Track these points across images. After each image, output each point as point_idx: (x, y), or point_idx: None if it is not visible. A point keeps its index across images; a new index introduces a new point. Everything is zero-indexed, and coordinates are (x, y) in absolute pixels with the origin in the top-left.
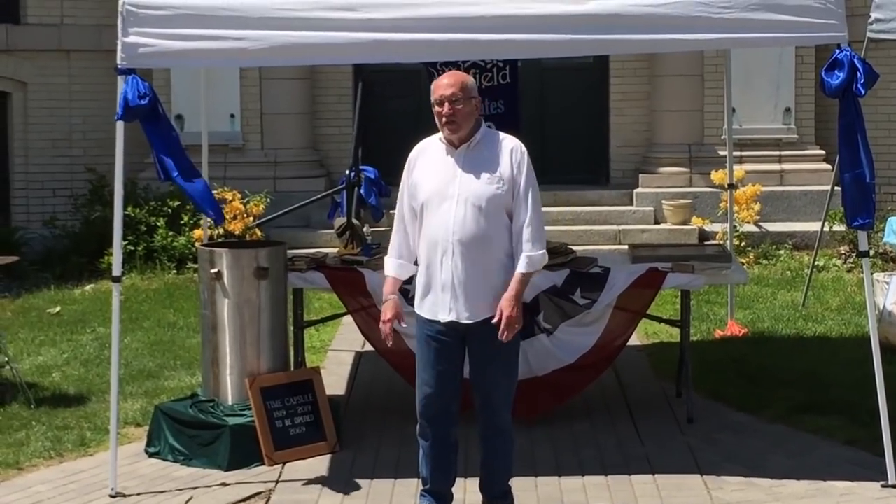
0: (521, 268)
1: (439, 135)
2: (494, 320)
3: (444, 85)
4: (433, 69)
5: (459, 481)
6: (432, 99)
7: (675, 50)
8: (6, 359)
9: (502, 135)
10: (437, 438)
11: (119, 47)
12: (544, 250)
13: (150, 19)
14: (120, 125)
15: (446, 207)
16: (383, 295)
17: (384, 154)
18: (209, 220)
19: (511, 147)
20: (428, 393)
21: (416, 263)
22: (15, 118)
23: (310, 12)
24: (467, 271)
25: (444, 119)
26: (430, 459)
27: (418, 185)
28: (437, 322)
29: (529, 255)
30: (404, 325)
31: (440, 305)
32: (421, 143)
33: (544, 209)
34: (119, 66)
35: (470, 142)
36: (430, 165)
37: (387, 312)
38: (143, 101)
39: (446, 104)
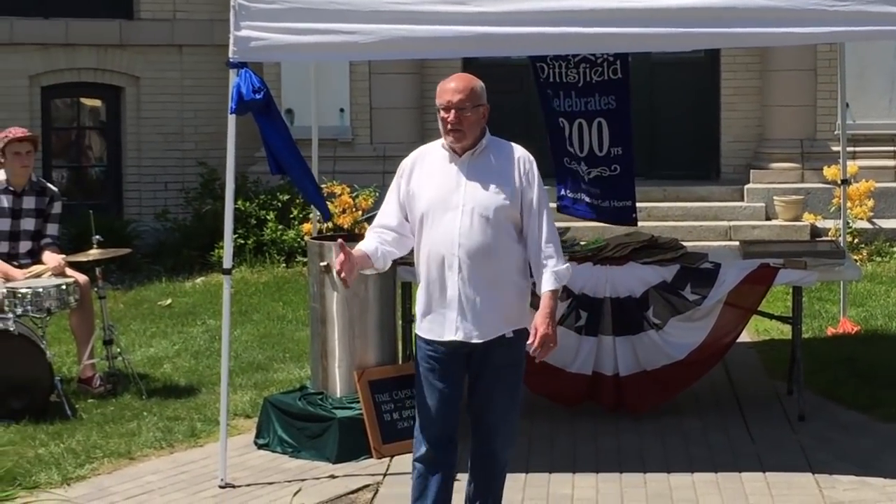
0: (548, 285)
1: (440, 141)
2: (529, 341)
3: (451, 90)
4: (542, 63)
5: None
6: (438, 103)
7: (788, 43)
8: (119, 350)
9: (508, 143)
10: (440, 466)
11: (231, 41)
12: (568, 263)
13: (262, 13)
14: (232, 119)
15: (450, 218)
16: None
17: None
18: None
19: (518, 156)
20: (431, 419)
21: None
22: (128, 112)
23: (420, 6)
24: (475, 286)
25: (448, 127)
26: (431, 489)
27: (417, 195)
28: (440, 342)
29: (555, 271)
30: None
31: (446, 324)
32: (419, 150)
33: (654, 204)
34: (231, 60)
35: (474, 149)
36: (430, 174)
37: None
38: (257, 96)
39: (453, 112)
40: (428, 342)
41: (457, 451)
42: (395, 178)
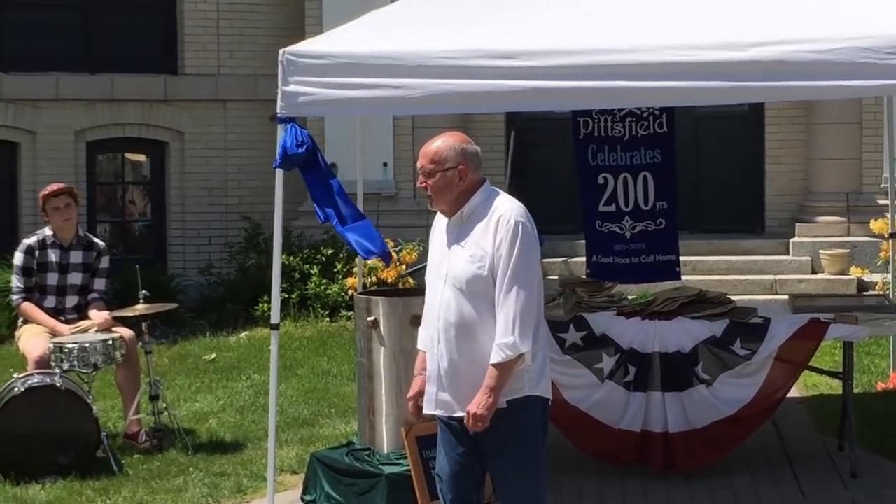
0: (491, 358)
1: None
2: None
3: (420, 154)
4: (587, 118)
5: None
6: None
7: (837, 97)
8: (164, 405)
9: (498, 202)
10: None
11: (279, 96)
12: (515, 338)
13: (310, 68)
14: (279, 173)
15: (436, 288)
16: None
17: (537, 203)
18: (365, 265)
19: (498, 218)
20: (446, 484)
21: None
22: (172, 167)
23: (468, 60)
24: (452, 361)
25: (424, 192)
26: None
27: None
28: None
29: (499, 343)
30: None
31: (427, 397)
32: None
33: (699, 258)
34: (279, 115)
35: (460, 213)
36: (436, 238)
37: (412, 388)
38: (300, 149)
39: (420, 176)
40: None
41: None
42: None
